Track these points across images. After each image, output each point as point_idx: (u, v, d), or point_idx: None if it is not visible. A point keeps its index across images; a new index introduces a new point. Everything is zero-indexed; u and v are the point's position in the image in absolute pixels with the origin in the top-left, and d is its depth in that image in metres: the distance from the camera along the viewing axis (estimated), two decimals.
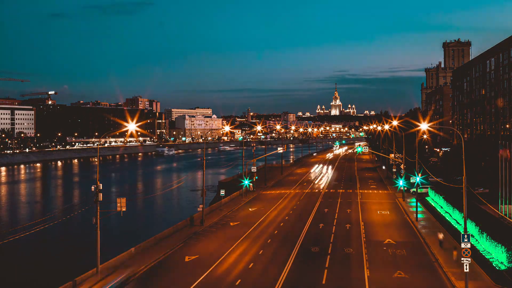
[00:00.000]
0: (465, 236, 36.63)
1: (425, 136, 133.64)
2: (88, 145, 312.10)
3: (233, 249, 50.48)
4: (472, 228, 52.49)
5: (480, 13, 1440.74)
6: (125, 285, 40.08)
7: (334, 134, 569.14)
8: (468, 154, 65.19)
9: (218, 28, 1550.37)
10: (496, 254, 44.76)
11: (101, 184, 40.01)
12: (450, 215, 64.55)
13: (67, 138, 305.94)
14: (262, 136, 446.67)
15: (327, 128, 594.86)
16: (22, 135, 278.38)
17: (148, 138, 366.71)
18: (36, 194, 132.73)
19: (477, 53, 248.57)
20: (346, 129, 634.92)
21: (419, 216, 66.24)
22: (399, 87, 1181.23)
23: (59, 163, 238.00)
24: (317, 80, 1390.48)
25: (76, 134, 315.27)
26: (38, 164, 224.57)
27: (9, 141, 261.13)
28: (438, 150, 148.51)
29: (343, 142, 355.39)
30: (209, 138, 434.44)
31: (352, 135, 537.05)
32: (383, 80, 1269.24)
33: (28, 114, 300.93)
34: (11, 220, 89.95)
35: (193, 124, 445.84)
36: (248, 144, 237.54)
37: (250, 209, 75.79)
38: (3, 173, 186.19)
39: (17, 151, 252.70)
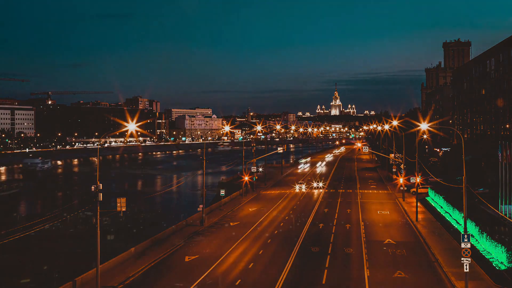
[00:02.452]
0: (465, 236, 36.63)
1: (425, 136, 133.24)
2: (88, 145, 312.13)
3: (233, 249, 50.49)
4: (472, 228, 52.48)
5: (480, 13, 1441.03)
6: (125, 285, 40.09)
7: (334, 134, 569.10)
8: (468, 154, 65.17)
9: (217, 28, 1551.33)
10: (496, 254, 44.76)
11: (101, 184, 39.93)
12: (450, 215, 64.52)
13: (67, 138, 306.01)
14: (262, 136, 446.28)
15: (327, 128, 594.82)
16: (22, 135, 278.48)
17: (148, 138, 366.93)
18: (36, 193, 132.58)
19: (477, 53, 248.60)
20: (346, 129, 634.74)
21: (419, 216, 66.29)
22: (399, 87, 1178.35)
23: (59, 162, 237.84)
24: (317, 80, 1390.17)
25: (76, 134, 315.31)
26: None
27: (9, 141, 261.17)
28: (438, 150, 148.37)
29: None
30: (209, 138, 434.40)
31: (352, 135, 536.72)
32: (383, 80, 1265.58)
33: (28, 114, 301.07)
34: (11, 220, 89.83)
35: (193, 124, 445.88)
36: (248, 144, 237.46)
37: (250, 209, 75.84)
38: (3, 173, 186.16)
39: (17, 151, 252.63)
